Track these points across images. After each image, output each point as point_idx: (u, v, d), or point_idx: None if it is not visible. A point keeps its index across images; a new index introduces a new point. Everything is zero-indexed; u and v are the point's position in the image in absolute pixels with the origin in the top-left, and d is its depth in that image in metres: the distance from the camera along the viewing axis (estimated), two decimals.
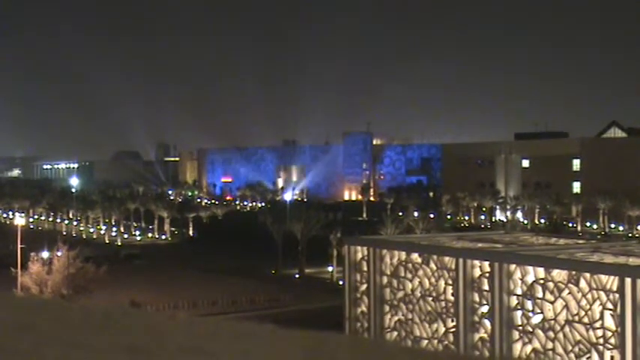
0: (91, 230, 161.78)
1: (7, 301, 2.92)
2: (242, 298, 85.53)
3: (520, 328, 49.18)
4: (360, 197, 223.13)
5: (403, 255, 57.35)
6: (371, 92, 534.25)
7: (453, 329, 53.02)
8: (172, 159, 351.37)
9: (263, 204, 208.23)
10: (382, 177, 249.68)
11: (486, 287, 50.84)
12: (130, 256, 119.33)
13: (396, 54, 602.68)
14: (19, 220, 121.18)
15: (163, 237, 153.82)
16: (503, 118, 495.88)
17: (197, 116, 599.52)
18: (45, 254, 77.34)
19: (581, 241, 61.98)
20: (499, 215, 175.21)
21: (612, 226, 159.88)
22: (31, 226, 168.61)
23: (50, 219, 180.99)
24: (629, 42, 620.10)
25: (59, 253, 74.95)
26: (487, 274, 50.75)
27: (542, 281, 48.04)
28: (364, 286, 60.04)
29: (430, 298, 54.84)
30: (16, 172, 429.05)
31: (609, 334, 44.48)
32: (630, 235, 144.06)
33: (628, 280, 43.25)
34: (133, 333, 2.47)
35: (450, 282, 53.33)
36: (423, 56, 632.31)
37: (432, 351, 2.46)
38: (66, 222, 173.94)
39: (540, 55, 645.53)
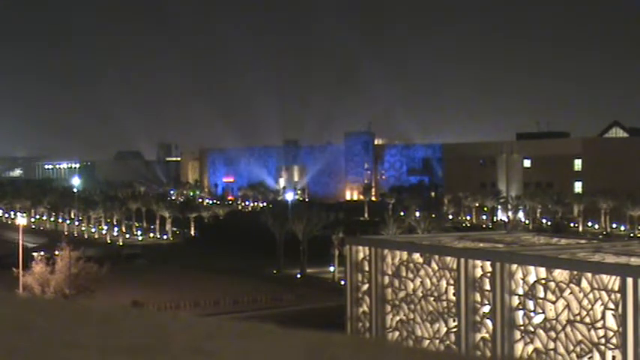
0: (93, 230, 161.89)
1: (8, 300, 2.92)
2: (244, 298, 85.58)
3: (522, 328, 49.17)
4: (361, 197, 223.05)
5: (405, 255, 57.34)
6: (372, 92, 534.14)
7: (455, 329, 53.01)
8: (174, 159, 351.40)
9: (265, 204, 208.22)
10: (384, 177, 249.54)
11: (488, 287, 50.83)
12: (132, 256, 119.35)
13: (397, 53, 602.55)
14: (21, 220, 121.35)
15: (165, 237, 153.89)
16: (505, 118, 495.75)
17: (199, 116, 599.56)
18: (47, 254, 77.48)
19: (582, 241, 61.93)
20: (501, 215, 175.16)
21: (614, 226, 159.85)
22: (33, 226, 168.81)
23: (52, 219, 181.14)
24: (631, 41, 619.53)
25: (62, 253, 75.11)
26: (489, 274, 50.74)
27: (543, 281, 48.02)
28: (366, 286, 60.04)
29: (432, 298, 54.83)
30: (17, 172, 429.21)
31: (611, 334, 44.48)
32: (632, 234, 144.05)
33: (629, 280, 43.24)
34: (135, 333, 2.47)
35: (452, 282, 53.32)
36: (424, 56, 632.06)
37: (433, 351, 2.46)
38: (67, 222, 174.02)
39: (542, 54, 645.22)
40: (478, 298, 51.68)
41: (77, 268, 74.59)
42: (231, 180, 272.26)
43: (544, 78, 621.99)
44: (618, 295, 43.93)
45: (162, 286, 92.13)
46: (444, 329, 53.97)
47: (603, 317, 44.87)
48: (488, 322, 50.97)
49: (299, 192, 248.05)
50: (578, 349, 46.03)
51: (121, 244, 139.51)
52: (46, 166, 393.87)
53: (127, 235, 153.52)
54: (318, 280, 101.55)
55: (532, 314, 48.62)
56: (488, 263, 51.01)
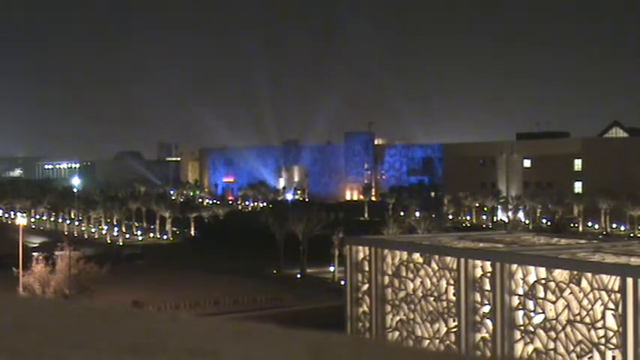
0: (93, 230, 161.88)
1: (8, 300, 2.92)
2: (244, 298, 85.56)
3: (522, 328, 49.17)
4: (361, 197, 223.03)
5: (405, 255, 57.33)
6: (372, 92, 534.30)
7: (455, 329, 53.00)
8: (174, 159, 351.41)
9: (265, 204, 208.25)
10: (384, 177, 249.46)
11: (488, 287, 50.82)
12: (132, 256, 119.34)
13: (397, 53, 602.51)
14: (21, 220, 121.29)
15: (165, 237, 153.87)
16: (505, 118, 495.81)
17: (199, 116, 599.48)
18: (47, 254, 77.53)
19: (582, 241, 61.91)
20: (500, 215, 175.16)
21: (614, 226, 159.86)
22: (33, 226, 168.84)
23: (52, 219, 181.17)
24: (631, 41, 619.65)
25: (62, 253, 75.19)
26: (489, 274, 50.74)
27: (543, 281, 48.01)
28: (366, 286, 60.03)
29: (432, 298, 54.82)
30: (17, 172, 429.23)
31: (611, 334, 44.47)
32: (632, 234, 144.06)
33: (629, 280, 43.24)
34: (135, 333, 2.47)
35: (452, 282, 53.31)
36: (424, 56, 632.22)
37: (433, 351, 2.46)
38: (67, 222, 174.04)
39: (542, 54, 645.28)
40: (478, 298, 51.68)
41: (77, 268, 74.62)
42: (231, 180, 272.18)
43: (544, 78, 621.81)
44: (618, 295, 43.93)
45: (162, 286, 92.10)
46: (444, 329, 53.96)
47: (603, 317, 44.87)
48: (488, 322, 50.97)
49: (299, 192, 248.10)
50: (578, 349, 46.03)
51: (121, 244, 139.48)
52: (46, 166, 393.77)
53: (127, 235, 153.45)
54: (318, 280, 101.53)
55: (532, 314, 48.62)
56: (488, 263, 51.01)
